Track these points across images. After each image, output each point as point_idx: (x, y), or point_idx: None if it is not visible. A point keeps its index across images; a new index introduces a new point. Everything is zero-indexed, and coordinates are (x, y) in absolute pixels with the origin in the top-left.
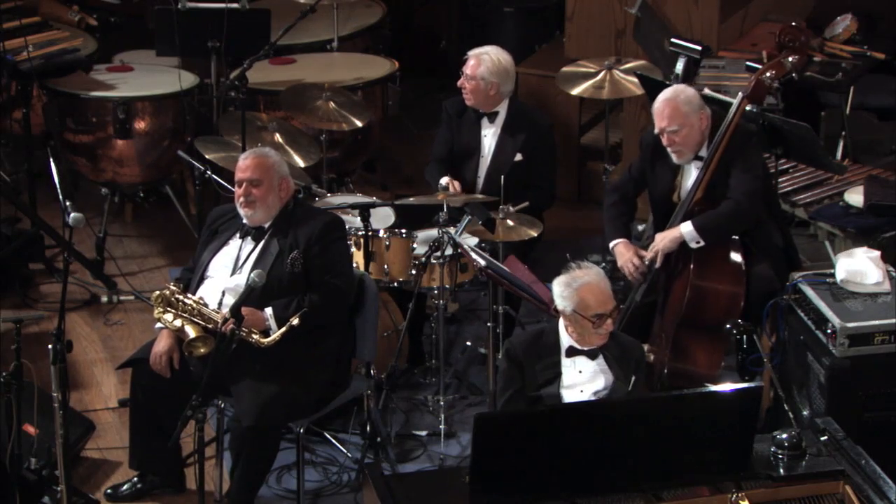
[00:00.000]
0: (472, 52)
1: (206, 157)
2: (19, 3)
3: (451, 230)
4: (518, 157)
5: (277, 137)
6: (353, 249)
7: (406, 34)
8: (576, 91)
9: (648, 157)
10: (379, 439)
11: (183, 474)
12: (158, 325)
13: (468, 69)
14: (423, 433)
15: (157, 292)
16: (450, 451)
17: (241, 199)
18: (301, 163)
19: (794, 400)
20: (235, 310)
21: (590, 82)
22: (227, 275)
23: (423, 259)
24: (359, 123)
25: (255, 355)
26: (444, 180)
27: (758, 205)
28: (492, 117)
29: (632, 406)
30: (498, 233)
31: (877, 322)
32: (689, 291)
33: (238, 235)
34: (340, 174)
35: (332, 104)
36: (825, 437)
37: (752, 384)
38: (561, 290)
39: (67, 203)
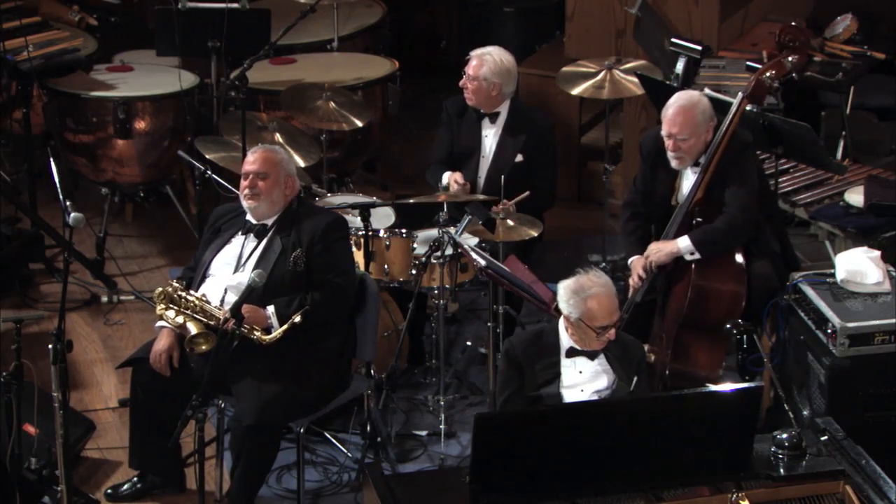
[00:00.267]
0: (475, 53)
1: (207, 157)
2: (19, 3)
3: (451, 230)
4: (519, 157)
5: (278, 137)
6: (354, 249)
7: (406, 34)
8: (576, 91)
9: (650, 163)
10: (379, 439)
11: (183, 474)
12: (159, 324)
13: (470, 69)
14: (423, 433)
15: (160, 289)
16: (450, 451)
17: (247, 191)
18: (301, 163)
19: (794, 400)
20: (236, 309)
21: (590, 82)
22: (229, 273)
23: (424, 259)
24: (359, 123)
25: (255, 355)
26: (447, 176)
27: (753, 218)
28: (493, 118)
29: (632, 406)
30: (498, 233)
31: (877, 322)
32: (690, 292)
33: (241, 233)
34: (340, 174)
35: (332, 104)
36: (825, 437)
37: (752, 384)
38: (568, 297)
39: (67, 203)
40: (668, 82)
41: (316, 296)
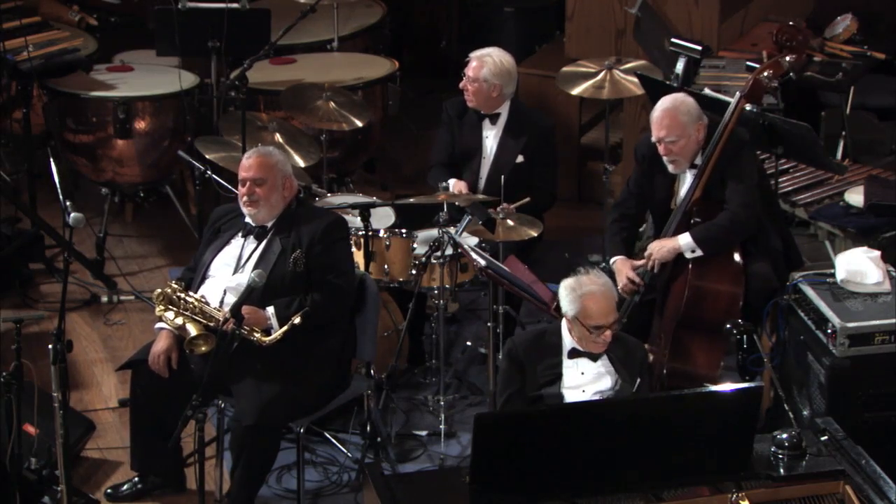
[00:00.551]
0: (475, 54)
1: (207, 157)
2: (19, 3)
3: (451, 230)
4: (520, 158)
5: (278, 137)
6: (354, 249)
7: (406, 34)
8: (576, 91)
9: (646, 168)
10: (379, 439)
11: (183, 474)
12: (158, 325)
13: (470, 71)
14: (423, 433)
15: (159, 290)
16: (450, 451)
17: (245, 199)
18: (301, 163)
19: (794, 400)
20: (236, 310)
21: (590, 82)
22: (228, 273)
23: (424, 259)
24: (359, 123)
25: (255, 355)
26: (453, 183)
27: (755, 214)
28: (493, 119)
29: (632, 406)
30: (498, 233)
31: (877, 322)
32: (687, 291)
33: (240, 234)
34: (340, 174)
35: (332, 104)
36: (825, 437)
37: (752, 384)
38: (566, 294)
39: (67, 203)
40: (668, 82)
41: (316, 297)
